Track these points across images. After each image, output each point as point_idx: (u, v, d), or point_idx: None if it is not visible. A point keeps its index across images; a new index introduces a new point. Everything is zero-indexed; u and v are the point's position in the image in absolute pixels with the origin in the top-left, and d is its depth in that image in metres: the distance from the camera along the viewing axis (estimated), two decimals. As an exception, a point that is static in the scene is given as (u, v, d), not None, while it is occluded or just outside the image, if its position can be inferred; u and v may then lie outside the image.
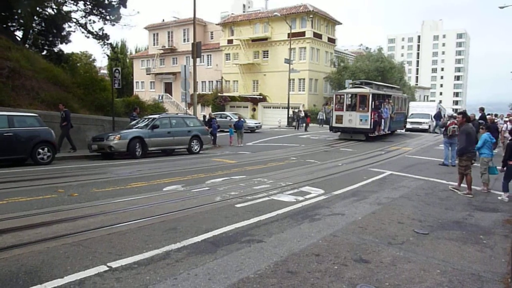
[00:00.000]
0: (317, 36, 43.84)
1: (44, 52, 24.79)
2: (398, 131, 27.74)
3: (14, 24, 24.01)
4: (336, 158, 14.20)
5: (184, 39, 51.51)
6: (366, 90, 21.34)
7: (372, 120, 20.68)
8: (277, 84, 42.60)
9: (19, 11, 22.43)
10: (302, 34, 42.61)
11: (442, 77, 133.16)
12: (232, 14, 52.19)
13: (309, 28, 42.66)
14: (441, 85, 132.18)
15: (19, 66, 16.78)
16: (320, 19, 44.36)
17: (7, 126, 11.47)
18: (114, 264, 4.01)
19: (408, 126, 32.08)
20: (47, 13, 24.41)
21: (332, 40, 47.27)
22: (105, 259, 4.16)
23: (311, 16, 42.40)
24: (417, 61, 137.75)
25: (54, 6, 24.56)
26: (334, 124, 22.30)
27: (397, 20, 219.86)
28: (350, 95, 22.10)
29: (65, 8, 25.10)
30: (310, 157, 14.51)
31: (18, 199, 6.88)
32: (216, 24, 50.64)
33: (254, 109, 45.49)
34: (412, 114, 33.37)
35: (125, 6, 24.17)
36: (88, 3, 24.47)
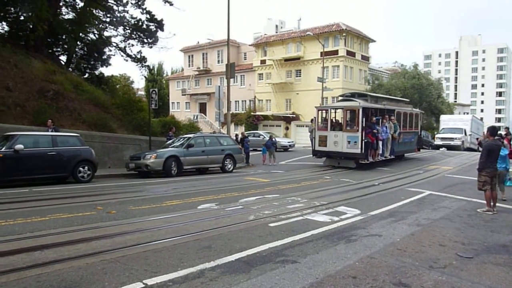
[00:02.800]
0: (351, 54, 43.65)
1: (86, 75, 26.07)
2: (410, 154, 22.23)
3: (59, 49, 25.49)
4: (372, 177, 13.86)
5: (218, 60, 52.66)
6: (355, 103, 16.84)
7: (362, 142, 15.97)
8: (310, 103, 42.42)
9: (64, 37, 23.81)
10: (335, 52, 42.57)
11: (482, 94, 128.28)
12: (265, 34, 53.04)
13: (342, 46, 42.58)
14: (482, 102, 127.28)
15: (63, 89, 17.70)
16: (353, 37, 44.23)
17: (51, 146, 12.05)
18: (150, 282, 4.05)
19: (438, 142, 30.03)
20: (89, 38, 25.77)
21: (365, 58, 46.89)
22: (141, 276, 4.21)
23: (344, 34, 42.36)
24: (455, 78, 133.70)
25: (96, 32, 25.91)
26: (317, 147, 17.54)
27: (433, 36, 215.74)
28: (335, 110, 17.83)
29: (106, 33, 26.41)
30: (344, 176, 14.25)
31: (60, 215, 7.14)
32: (249, 45, 51.52)
33: (287, 128, 45.50)
34: (443, 129, 31.55)
35: (162, 30, 25.11)
36: (127, 28, 25.64)
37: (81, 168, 12.56)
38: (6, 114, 14.74)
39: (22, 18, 22.28)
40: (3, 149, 11.06)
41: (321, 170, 16.42)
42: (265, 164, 19.95)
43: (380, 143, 17.23)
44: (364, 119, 16.20)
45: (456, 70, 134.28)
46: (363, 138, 15.95)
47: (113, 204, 8.43)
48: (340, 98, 19.29)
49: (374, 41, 47.79)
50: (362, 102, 16.86)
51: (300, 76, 45.87)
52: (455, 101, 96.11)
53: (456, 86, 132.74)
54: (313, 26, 46.92)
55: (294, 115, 45.05)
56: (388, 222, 7.08)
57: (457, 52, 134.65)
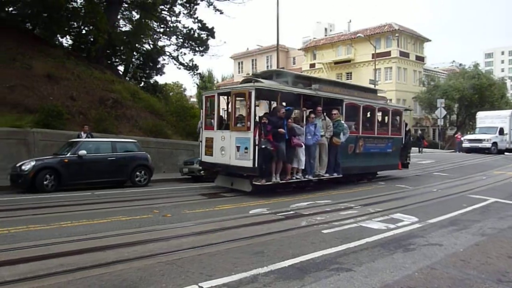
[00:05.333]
0: (404, 55, 42.19)
1: (142, 84, 27.35)
2: (391, 172, 15.69)
3: (117, 60, 26.99)
4: (430, 183, 13.22)
5: (267, 66, 53.04)
6: (249, 84, 10.73)
7: (255, 148, 9.79)
8: (362, 106, 41.52)
9: (121, 48, 25.15)
10: (388, 53, 41.37)
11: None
12: (314, 38, 52.69)
13: (395, 47, 41.31)
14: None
15: (121, 97, 18.68)
16: (406, 37, 42.74)
17: (111, 151, 12.73)
18: (205, 285, 4.11)
19: (466, 145, 26.57)
20: (144, 48, 27.05)
21: (420, 58, 45.10)
22: (196, 279, 4.29)
23: (396, 35, 41.05)
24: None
25: (151, 42, 27.13)
26: (203, 157, 11.75)
27: (493, 33, 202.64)
28: (227, 98, 11.36)
29: (159, 43, 27.61)
30: (400, 181, 13.71)
31: (119, 218, 7.49)
32: (298, 49, 51.47)
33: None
34: (478, 128, 28.07)
35: (213, 37, 25.78)
36: (180, 37, 26.61)
37: (138, 173, 13.12)
38: (70, 121, 15.80)
39: (84, 32, 23.85)
40: (68, 155, 11.83)
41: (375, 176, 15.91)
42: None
43: (301, 151, 10.65)
44: (255, 108, 10.06)
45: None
46: (258, 142, 9.76)
47: (169, 207, 8.70)
48: (243, 79, 13.55)
49: (429, 40, 45.88)
50: (255, 83, 10.60)
51: (351, 79, 44.99)
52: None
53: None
54: (364, 27, 45.93)
55: (344, 119, 44.16)
56: (449, 230, 6.69)
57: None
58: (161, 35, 27.59)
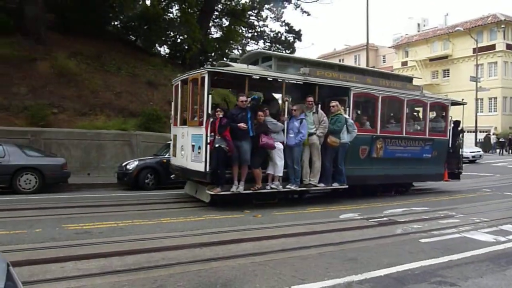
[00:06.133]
0: (511, 48, 37.88)
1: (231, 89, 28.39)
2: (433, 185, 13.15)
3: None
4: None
5: (355, 65, 51.53)
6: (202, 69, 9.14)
7: (207, 148, 8.10)
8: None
9: (213, 54, 26.39)
10: (491, 47, 37.57)
11: None
12: (406, 35, 49.86)
13: (501, 39, 37.36)
14: None
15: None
16: (514, 28, 38.36)
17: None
18: (298, 289, 4.10)
19: None
20: (234, 54, 28.05)
21: (531, 51, 40.12)
22: (289, 281, 4.29)
23: (502, 26, 37.10)
24: None
25: (239, 47, 28.03)
26: (172, 159, 10.61)
27: None
28: (191, 84, 9.40)
29: (247, 48, 28.38)
30: (509, 189, 12.31)
31: (213, 216, 7.81)
32: (389, 47, 49.18)
33: (432, 134, 41.79)
34: None
35: (300, 40, 25.86)
36: (267, 41, 27.10)
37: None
38: (168, 125, 16.97)
39: (179, 40, 25.53)
40: (166, 156, 12.71)
41: (479, 181, 14.51)
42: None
43: (276, 153, 8.45)
44: (208, 95, 8.32)
45: None
46: (210, 141, 8.08)
47: (258, 208, 8.84)
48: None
49: (544, 30, 40.51)
50: (229, 68, 9.01)
51: (448, 77, 41.75)
52: None
53: None
54: (463, 20, 42.23)
55: (441, 120, 41.03)
56: None
57: None
58: (249, 40, 28.44)
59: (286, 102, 9.12)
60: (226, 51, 26.90)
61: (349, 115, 9.47)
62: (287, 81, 9.05)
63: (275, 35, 26.52)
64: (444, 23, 48.79)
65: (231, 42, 26.62)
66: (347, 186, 9.55)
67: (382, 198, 10.37)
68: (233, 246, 5.71)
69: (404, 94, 10.87)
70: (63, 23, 19.72)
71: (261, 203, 8.80)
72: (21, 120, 14.11)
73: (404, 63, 45.90)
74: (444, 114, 12.25)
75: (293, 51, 26.47)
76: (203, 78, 8.38)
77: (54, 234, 6.11)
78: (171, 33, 25.28)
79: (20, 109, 14.43)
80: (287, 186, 8.80)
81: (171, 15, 24.06)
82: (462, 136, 12.93)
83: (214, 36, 28.15)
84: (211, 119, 8.14)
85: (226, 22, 27.53)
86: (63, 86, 16.24)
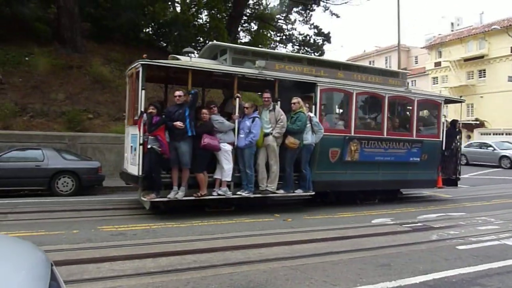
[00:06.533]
0: (554, 46, 36.12)
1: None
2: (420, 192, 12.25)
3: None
4: None
5: (386, 67, 50.54)
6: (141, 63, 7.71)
7: (140, 149, 7.44)
8: (499, 107, 36.71)
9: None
10: (531, 46, 35.85)
11: None
12: (439, 34, 48.41)
13: (541, 37, 35.56)
14: None
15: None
16: (557, 25, 36.56)
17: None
18: (330, 294, 4.05)
19: None
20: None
21: None
22: (321, 286, 4.25)
23: (543, 23, 35.39)
24: None
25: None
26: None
27: None
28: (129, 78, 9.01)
29: (276, 51, 28.41)
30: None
31: (243, 220, 7.82)
32: (421, 48, 47.96)
33: (469, 137, 40.26)
34: None
35: (329, 42, 25.64)
36: (296, 44, 27.02)
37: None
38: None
39: (208, 45, 25.80)
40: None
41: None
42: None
43: (223, 155, 7.82)
44: (142, 92, 7.51)
45: None
46: (143, 141, 7.43)
47: (289, 212, 8.79)
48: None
49: None
50: (145, 61, 7.58)
51: (484, 77, 40.21)
52: None
53: None
54: (499, 18, 40.61)
55: (477, 122, 39.55)
56: None
57: None
58: (277, 43, 28.42)
59: (238, 99, 8.21)
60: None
61: (315, 114, 8.60)
62: (239, 75, 8.33)
63: (303, 38, 26.40)
64: (479, 21, 47.08)
65: (260, 46, 26.71)
66: (313, 193, 8.75)
67: (417, 203, 10.10)
68: (265, 249, 5.71)
69: (384, 90, 9.71)
70: (99, 31, 20.41)
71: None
72: (59, 125, 14.70)
73: (438, 64, 44.59)
74: (436, 112, 10.96)
75: (322, 53, 26.25)
76: (137, 73, 7.74)
77: (90, 236, 6.31)
78: (201, 38, 25.65)
79: (58, 114, 15.03)
80: (238, 193, 8.05)
81: (200, 20, 24.44)
82: (460, 138, 11.68)
83: (243, 40, 28.38)
84: (145, 117, 7.36)
85: (254, 27, 27.67)
86: (97, 92, 16.80)
